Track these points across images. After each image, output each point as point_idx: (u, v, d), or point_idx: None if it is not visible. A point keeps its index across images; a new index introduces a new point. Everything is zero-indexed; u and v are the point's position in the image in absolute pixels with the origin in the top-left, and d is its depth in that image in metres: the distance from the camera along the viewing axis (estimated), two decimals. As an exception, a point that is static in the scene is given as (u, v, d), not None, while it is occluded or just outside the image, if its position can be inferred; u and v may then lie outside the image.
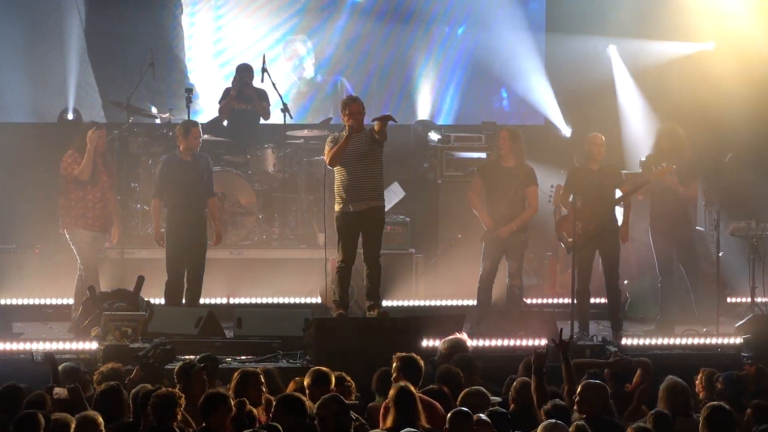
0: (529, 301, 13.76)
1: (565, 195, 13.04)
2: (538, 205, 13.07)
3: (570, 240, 12.71)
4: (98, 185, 13.14)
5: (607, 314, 13.19)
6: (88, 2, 16.68)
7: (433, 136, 16.05)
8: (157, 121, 15.75)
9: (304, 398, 8.39)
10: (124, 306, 12.11)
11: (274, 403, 8.46)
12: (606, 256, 12.91)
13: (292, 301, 13.94)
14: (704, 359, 11.09)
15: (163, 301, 12.86)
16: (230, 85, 15.60)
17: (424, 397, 8.73)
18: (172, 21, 16.92)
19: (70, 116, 16.21)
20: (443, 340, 10.66)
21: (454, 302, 13.91)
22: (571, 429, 7.92)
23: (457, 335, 10.86)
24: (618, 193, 13.00)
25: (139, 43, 16.18)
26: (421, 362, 9.22)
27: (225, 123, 15.55)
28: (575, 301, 12.59)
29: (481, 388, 8.94)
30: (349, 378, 9.23)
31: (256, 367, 9.39)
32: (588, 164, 12.98)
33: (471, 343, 10.97)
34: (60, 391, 8.78)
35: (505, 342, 11.68)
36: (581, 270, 12.81)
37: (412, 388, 8.42)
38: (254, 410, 8.41)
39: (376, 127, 11.78)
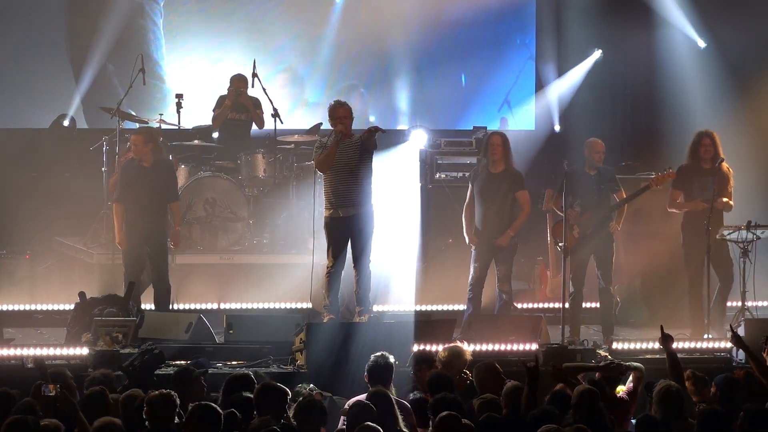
0: (519, 305, 13.76)
1: (559, 199, 13.03)
2: (530, 208, 13.10)
3: (560, 244, 12.73)
4: None
5: (597, 318, 13.21)
6: (70, 8, 16.70)
7: (424, 140, 16.02)
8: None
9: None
10: (114, 311, 12.10)
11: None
12: (601, 261, 12.92)
13: (282, 306, 13.92)
14: (695, 363, 11.09)
15: (152, 306, 12.87)
16: (221, 92, 15.58)
17: (401, 401, 8.76)
18: (152, 26, 16.89)
19: (66, 123, 16.20)
20: (444, 347, 10.53)
21: (445, 307, 13.88)
22: None
23: (458, 343, 10.79)
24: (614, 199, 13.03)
25: (120, 48, 16.23)
26: (390, 363, 9.31)
27: (215, 135, 15.51)
28: (567, 306, 12.60)
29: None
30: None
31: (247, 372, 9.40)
32: (585, 169, 12.98)
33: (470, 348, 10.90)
34: (48, 388, 8.77)
35: (495, 347, 11.65)
36: (575, 274, 12.82)
37: (387, 392, 8.42)
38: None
39: (365, 139, 11.82)
